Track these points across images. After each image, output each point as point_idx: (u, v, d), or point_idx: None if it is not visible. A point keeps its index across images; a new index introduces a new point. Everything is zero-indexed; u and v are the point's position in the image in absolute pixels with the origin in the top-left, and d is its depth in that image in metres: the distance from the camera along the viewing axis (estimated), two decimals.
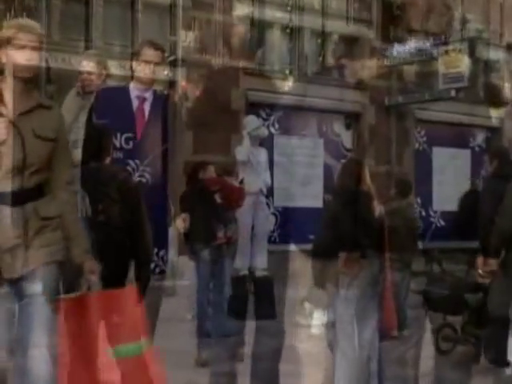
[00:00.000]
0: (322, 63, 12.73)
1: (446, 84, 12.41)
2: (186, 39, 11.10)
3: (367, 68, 13.06)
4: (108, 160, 4.12)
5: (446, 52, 12.38)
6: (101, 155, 4.09)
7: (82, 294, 3.55)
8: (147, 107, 4.96)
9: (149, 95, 4.89)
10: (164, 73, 10.75)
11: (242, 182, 7.62)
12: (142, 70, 4.64)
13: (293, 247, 11.91)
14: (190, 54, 11.13)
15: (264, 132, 9.41)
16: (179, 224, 5.42)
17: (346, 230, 5.62)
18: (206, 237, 7.60)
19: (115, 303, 3.71)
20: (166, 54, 10.55)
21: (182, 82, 11.04)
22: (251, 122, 9.29)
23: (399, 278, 7.15)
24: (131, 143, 12.55)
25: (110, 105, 4.66)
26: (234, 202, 7.21)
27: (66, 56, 9.95)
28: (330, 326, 5.66)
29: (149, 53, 4.75)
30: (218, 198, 7.02)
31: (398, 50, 13.13)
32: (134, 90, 4.86)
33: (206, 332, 6.90)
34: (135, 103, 4.83)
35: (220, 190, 7.15)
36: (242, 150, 9.06)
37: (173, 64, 10.92)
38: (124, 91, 4.85)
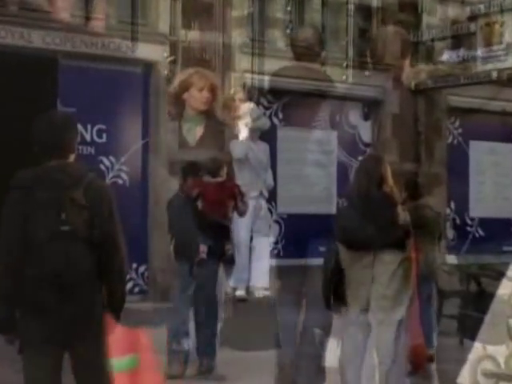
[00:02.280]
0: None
1: (486, 64, 12.42)
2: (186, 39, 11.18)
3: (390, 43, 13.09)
4: (72, 158, 4.09)
5: (487, 24, 12.39)
6: (63, 152, 4.05)
7: None
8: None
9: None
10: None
11: (233, 183, 7.46)
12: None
13: (300, 262, 11.92)
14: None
15: (265, 123, 9.43)
16: None
17: (363, 241, 5.63)
18: (185, 251, 7.66)
19: None
20: (166, 54, 10.67)
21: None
22: (250, 110, 9.29)
23: (424, 297, 7.17)
24: (104, 136, 12.70)
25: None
26: (219, 209, 7.09)
27: None
28: (347, 358, 5.67)
29: None
30: (199, 205, 7.00)
31: (428, 21, 13.18)
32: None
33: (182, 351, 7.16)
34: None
35: (200, 194, 7.09)
36: (239, 146, 9.09)
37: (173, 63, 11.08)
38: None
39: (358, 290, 5.67)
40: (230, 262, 6.99)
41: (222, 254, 6.93)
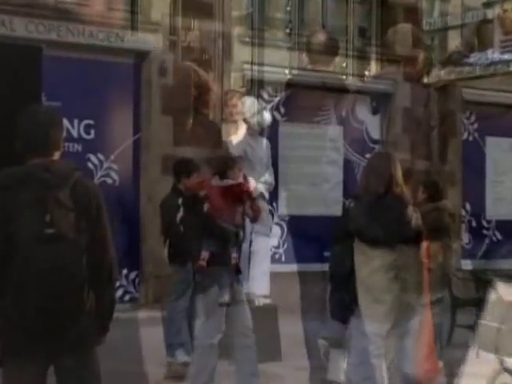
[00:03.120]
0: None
1: (504, 53, 12.41)
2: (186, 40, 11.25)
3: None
4: (57, 155, 4.08)
5: (505, 11, 12.38)
6: (48, 149, 4.05)
7: None
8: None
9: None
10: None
11: (242, 187, 7.33)
12: None
13: (303, 268, 11.93)
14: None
15: (265, 118, 9.40)
16: None
17: (371, 244, 5.64)
18: (181, 255, 7.77)
19: None
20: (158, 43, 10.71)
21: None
22: (249, 104, 9.28)
23: (436, 306, 7.19)
24: (92, 132, 12.68)
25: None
26: (226, 214, 7.01)
27: None
28: (353, 372, 5.68)
29: None
30: (205, 208, 6.93)
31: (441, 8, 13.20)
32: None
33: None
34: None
35: (207, 196, 7.01)
36: (237, 142, 9.06)
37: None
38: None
39: (368, 296, 5.68)
40: (234, 271, 6.92)
41: (227, 263, 6.85)
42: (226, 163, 7.25)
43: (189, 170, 8.25)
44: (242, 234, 7.07)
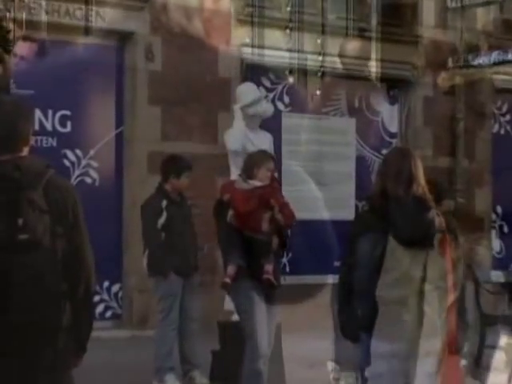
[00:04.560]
0: None
1: None
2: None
3: None
4: (26, 151, 4.08)
5: None
6: (15, 144, 4.04)
7: None
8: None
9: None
10: None
11: (269, 189, 7.21)
12: None
13: (310, 280, 11.92)
14: None
15: (267, 108, 9.41)
16: None
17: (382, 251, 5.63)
18: (160, 266, 7.84)
19: None
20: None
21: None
22: (247, 93, 9.29)
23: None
24: (69, 125, 12.70)
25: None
26: (251, 221, 6.87)
27: None
28: None
29: None
30: (229, 214, 6.80)
31: None
32: None
33: None
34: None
35: (231, 201, 6.86)
36: (234, 135, 9.06)
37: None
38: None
39: (389, 310, 5.69)
40: (268, 287, 6.84)
41: (258, 278, 6.76)
42: (251, 162, 7.20)
43: (179, 169, 8.22)
44: (275, 241, 7.00)
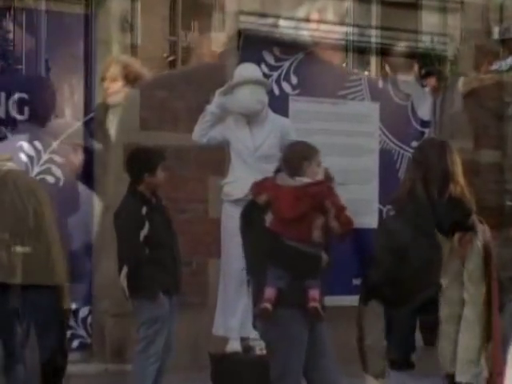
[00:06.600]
0: None
1: None
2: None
3: None
4: None
5: None
6: None
7: None
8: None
9: None
10: None
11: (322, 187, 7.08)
12: None
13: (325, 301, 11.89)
14: None
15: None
16: None
17: (418, 269, 5.68)
18: (146, 286, 7.90)
19: None
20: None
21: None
22: (246, 71, 9.37)
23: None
24: (26, 110, 12.74)
25: None
26: (298, 228, 6.72)
27: None
28: None
29: None
30: (267, 220, 6.64)
31: None
32: None
33: None
34: None
35: (270, 203, 6.69)
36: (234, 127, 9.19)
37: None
38: None
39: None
40: (314, 317, 6.70)
41: (301, 305, 6.61)
42: (297, 154, 6.98)
43: (152, 163, 8.15)
44: (325, 257, 6.77)
